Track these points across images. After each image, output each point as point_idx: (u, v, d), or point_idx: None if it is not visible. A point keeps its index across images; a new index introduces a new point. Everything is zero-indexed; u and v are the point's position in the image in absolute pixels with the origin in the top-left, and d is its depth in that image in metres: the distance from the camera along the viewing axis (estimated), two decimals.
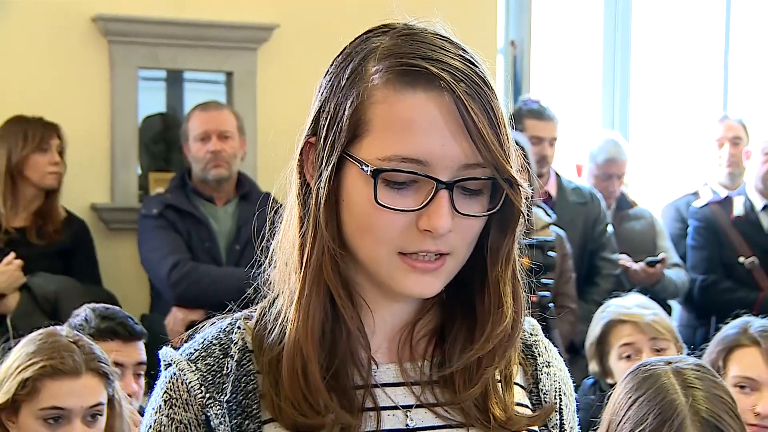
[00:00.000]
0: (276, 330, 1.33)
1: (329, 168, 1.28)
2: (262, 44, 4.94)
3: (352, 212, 1.29)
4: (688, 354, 3.30)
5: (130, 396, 3.08)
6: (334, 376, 1.31)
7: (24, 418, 2.52)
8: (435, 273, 1.29)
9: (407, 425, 1.35)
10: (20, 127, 4.43)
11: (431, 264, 1.28)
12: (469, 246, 1.31)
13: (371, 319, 1.35)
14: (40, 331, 2.64)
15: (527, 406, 1.41)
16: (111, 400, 2.62)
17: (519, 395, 1.41)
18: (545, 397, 1.43)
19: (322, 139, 1.30)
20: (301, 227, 1.32)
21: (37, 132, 4.42)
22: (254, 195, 4.60)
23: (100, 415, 2.58)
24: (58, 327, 2.69)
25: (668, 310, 4.51)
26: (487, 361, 1.35)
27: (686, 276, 5.02)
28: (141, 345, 3.18)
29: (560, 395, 1.45)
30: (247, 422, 1.32)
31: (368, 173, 1.25)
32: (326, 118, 1.30)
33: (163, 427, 1.34)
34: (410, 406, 1.36)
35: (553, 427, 1.43)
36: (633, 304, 3.47)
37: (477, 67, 1.28)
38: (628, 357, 3.32)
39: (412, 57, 1.27)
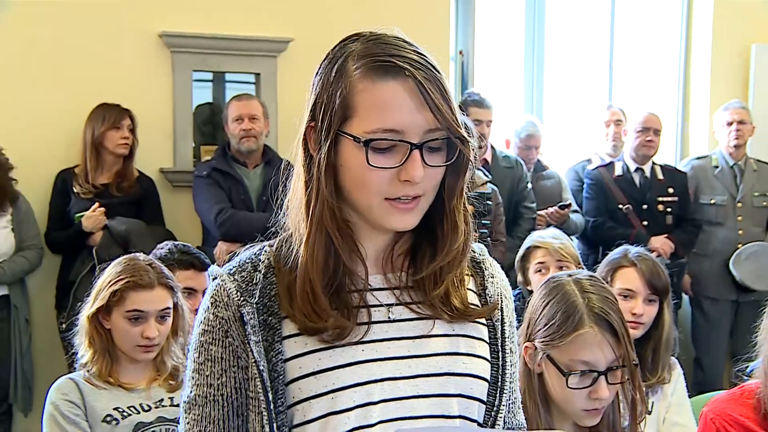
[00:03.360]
0: (290, 261, 1.35)
1: (327, 143, 1.29)
2: (281, 53, 4.91)
3: (349, 174, 1.30)
4: None
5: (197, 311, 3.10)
6: (336, 289, 1.33)
7: (114, 318, 2.53)
8: (412, 211, 1.31)
9: (389, 317, 1.36)
10: (101, 112, 4.45)
11: (409, 204, 1.30)
12: (435, 188, 1.33)
13: (363, 248, 1.36)
14: (125, 256, 2.66)
15: (478, 305, 1.43)
16: (176, 306, 2.63)
17: (472, 297, 1.43)
18: (490, 299, 1.44)
19: (320, 122, 1.31)
20: (307, 188, 1.33)
21: (113, 115, 4.44)
22: (275, 161, 4.59)
23: (168, 316, 2.60)
24: (137, 254, 2.69)
25: None
26: (447, 268, 1.37)
27: (582, 219, 5.05)
28: (208, 275, 3.16)
29: (502, 298, 1.46)
30: (270, 318, 1.33)
31: (361, 143, 1.27)
32: (321, 107, 1.31)
33: (210, 321, 1.37)
34: (392, 304, 1.38)
35: (496, 320, 1.44)
36: (548, 235, 3.52)
37: (427, 57, 1.30)
38: (540, 271, 3.39)
39: (381, 55, 1.29)
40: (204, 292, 3.15)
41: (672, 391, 2.83)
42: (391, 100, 1.27)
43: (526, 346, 2.01)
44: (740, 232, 5.19)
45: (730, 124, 5.25)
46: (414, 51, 1.31)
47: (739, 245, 5.13)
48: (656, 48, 6.01)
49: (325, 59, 1.35)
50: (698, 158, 5.43)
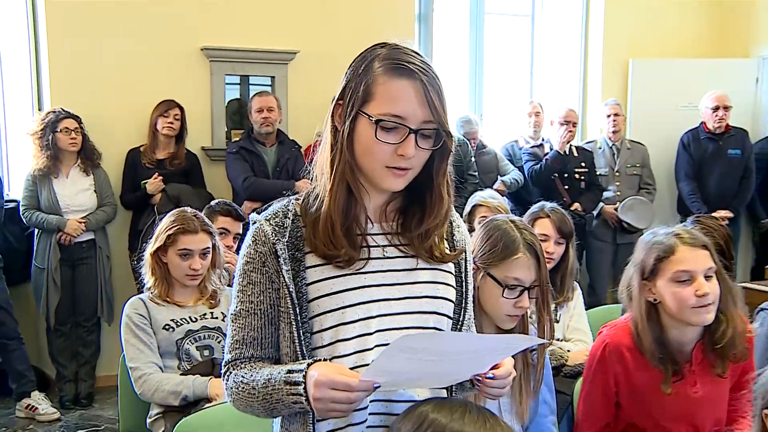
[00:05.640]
0: (315, 205, 1.32)
1: (350, 118, 1.27)
2: (290, 61, 4.84)
3: (361, 143, 1.28)
4: None
5: (230, 247, 3.12)
6: (347, 230, 1.31)
7: (170, 254, 2.52)
8: (402, 178, 1.29)
9: (384, 255, 1.35)
10: (159, 104, 4.42)
11: (402, 172, 1.28)
12: (421, 165, 1.31)
13: (368, 200, 1.35)
14: (176, 210, 2.64)
15: (448, 249, 1.42)
16: (214, 246, 2.62)
17: (445, 245, 1.42)
18: (457, 244, 1.43)
19: (347, 101, 1.29)
20: (332, 151, 1.31)
21: (163, 106, 4.41)
22: (287, 142, 4.56)
23: (209, 253, 2.59)
24: (185, 208, 2.67)
25: None
26: (433, 228, 1.36)
27: (516, 177, 5.05)
28: (241, 224, 3.23)
29: (465, 244, 1.45)
30: (297, 253, 1.31)
31: (373, 121, 1.25)
32: (349, 91, 1.29)
33: (251, 254, 1.34)
34: (386, 245, 1.36)
35: (461, 259, 1.43)
36: (487, 195, 3.47)
37: (432, 67, 1.28)
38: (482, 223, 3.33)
39: (399, 60, 1.26)
40: (235, 235, 3.21)
41: (574, 306, 2.84)
42: (401, 94, 1.25)
43: None
44: (618, 193, 5.23)
45: (609, 116, 5.30)
46: (422, 61, 1.29)
47: (618, 203, 5.17)
48: (564, 59, 5.98)
49: (358, 57, 1.32)
50: (588, 142, 5.46)
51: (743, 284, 4.49)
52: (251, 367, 1.33)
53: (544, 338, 1.91)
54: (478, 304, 1.89)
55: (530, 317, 1.99)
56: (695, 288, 1.89)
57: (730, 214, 5.17)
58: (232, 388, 1.34)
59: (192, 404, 2.36)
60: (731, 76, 5.64)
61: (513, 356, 1.37)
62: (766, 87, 5.78)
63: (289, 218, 1.34)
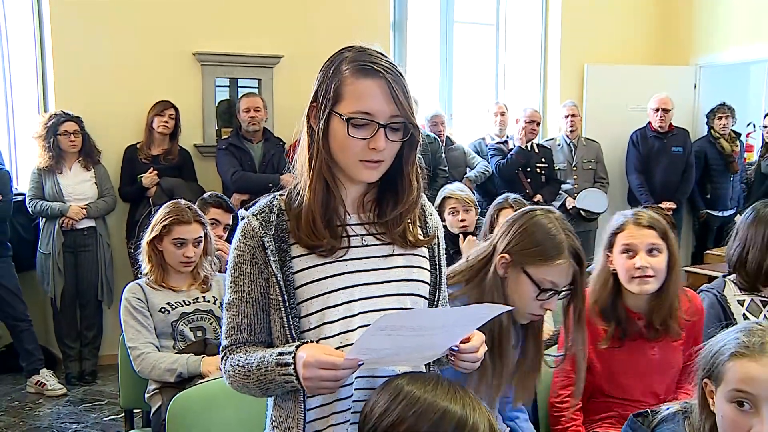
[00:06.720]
0: (298, 200, 1.31)
1: (324, 118, 1.26)
2: (275, 65, 4.80)
3: (336, 140, 1.26)
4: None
5: (220, 236, 3.08)
6: (327, 221, 1.30)
7: (165, 243, 2.49)
8: (375, 170, 1.28)
9: (363, 243, 1.33)
10: (155, 105, 4.37)
11: (374, 164, 1.27)
12: (392, 157, 1.29)
13: (345, 193, 1.33)
14: (170, 202, 2.60)
15: (421, 235, 1.41)
16: (206, 235, 2.58)
17: (417, 230, 1.41)
18: (430, 231, 1.42)
19: (320, 103, 1.27)
20: (310, 149, 1.29)
21: (159, 106, 4.36)
22: (272, 139, 4.52)
23: (201, 242, 2.55)
24: (179, 200, 2.62)
25: None
26: (405, 213, 1.35)
27: (482, 170, 5.04)
28: (230, 215, 3.19)
29: (437, 230, 1.44)
30: (282, 244, 1.29)
31: (344, 119, 1.23)
32: (321, 93, 1.27)
33: (241, 247, 1.32)
34: (364, 234, 1.34)
35: (434, 244, 1.42)
36: (455, 188, 3.47)
37: (396, 66, 1.27)
38: (452, 214, 3.33)
39: (364, 61, 1.24)
40: (225, 225, 3.18)
41: None
42: (368, 92, 1.23)
43: (502, 256, 1.71)
44: (576, 186, 5.28)
45: (566, 116, 5.34)
46: (387, 60, 1.27)
47: (576, 194, 5.23)
48: (525, 64, 5.97)
49: (327, 60, 1.29)
50: (548, 140, 5.48)
51: (685, 268, 4.58)
52: (246, 350, 1.31)
53: (573, 349, 1.75)
54: (502, 295, 1.71)
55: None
56: (635, 261, 1.96)
57: (673, 205, 5.27)
58: (229, 371, 1.32)
59: (186, 380, 2.34)
60: (673, 82, 5.76)
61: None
62: (703, 92, 5.94)
63: (274, 213, 1.32)
